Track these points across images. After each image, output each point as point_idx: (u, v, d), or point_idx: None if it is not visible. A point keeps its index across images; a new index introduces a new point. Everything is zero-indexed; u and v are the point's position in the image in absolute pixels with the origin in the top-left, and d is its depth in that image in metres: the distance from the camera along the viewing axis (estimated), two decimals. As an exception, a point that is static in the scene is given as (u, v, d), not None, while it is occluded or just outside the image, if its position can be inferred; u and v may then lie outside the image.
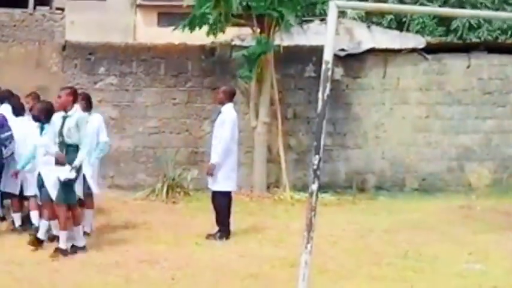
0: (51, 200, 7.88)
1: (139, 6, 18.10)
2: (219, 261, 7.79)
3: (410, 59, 13.66)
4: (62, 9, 12.89)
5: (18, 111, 9.27)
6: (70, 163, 7.72)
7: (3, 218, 9.51)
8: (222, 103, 9.14)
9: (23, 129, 8.91)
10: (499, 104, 13.98)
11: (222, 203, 8.97)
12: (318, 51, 11.79)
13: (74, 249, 7.95)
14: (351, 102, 13.52)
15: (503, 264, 7.91)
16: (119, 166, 12.84)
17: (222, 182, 8.94)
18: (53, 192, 7.83)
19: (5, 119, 9.04)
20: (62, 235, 7.84)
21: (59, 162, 7.78)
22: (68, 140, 7.81)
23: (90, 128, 8.81)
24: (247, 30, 12.85)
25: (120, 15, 17.61)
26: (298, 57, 13.22)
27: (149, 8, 18.01)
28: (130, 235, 9.09)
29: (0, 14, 12.71)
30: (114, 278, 7.03)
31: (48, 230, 9.07)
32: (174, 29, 12.39)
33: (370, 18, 15.51)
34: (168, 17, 16.64)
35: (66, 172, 7.70)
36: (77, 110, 7.95)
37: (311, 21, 14.00)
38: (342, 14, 13.28)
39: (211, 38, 12.49)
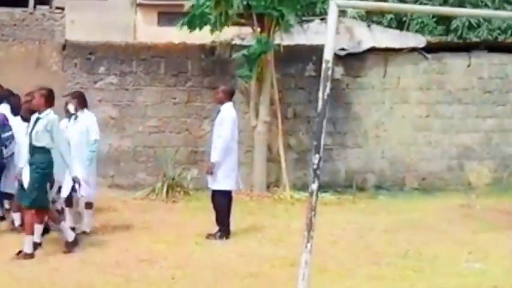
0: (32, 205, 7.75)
1: (140, 5, 18.06)
2: (219, 261, 7.79)
3: (411, 58, 13.66)
4: (62, 9, 12.89)
5: (17, 110, 9.25)
6: (33, 165, 7.62)
7: (3, 218, 9.51)
8: (222, 102, 9.14)
9: (23, 128, 8.89)
10: (499, 103, 13.98)
11: (222, 202, 8.96)
12: (318, 50, 11.79)
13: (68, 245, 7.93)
14: (351, 102, 13.52)
15: (503, 263, 7.91)
16: (119, 165, 12.84)
17: (222, 181, 8.93)
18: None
19: (6, 118, 9.03)
20: (28, 239, 7.72)
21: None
22: (36, 143, 7.67)
23: (81, 127, 8.85)
24: (247, 30, 12.85)
25: (120, 15, 17.58)
26: (299, 56, 13.21)
27: (149, 7, 17.97)
28: (130, 234, 9.10)
29: (0, 13, 12.71)
30: (114, 277, 7.02)
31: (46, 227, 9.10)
32: (179, 26, 12.25)
33: (370, 17, 15.49)
34: (168, 16, 16.60)
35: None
36: (50, 113, 7.75)
37: (311, 20, 13.99)
38: (342, 13, 13.26)
39: (212, 37, 12.49)
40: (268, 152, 12.76)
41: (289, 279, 6.46)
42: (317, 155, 4.52)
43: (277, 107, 12.67)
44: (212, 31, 12.21)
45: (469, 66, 13.85)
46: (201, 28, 12.18)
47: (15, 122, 9.09)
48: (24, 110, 8.32)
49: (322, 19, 13.65)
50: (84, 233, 8.96)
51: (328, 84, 4.51)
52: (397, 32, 14.46)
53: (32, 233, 7.74)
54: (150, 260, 7.71)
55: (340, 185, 13.19)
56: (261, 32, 12.28)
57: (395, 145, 13.66)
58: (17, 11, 12.77)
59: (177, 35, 12.67)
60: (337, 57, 12.82)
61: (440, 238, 9.22)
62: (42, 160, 7.65)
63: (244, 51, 12.16)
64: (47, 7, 12.97)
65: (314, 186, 4.55)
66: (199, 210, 10.55)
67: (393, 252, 8.36)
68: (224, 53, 13.11)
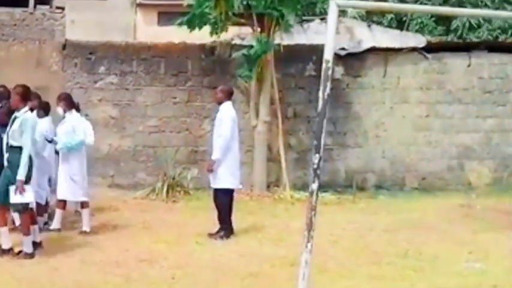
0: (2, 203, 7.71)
1: (140, 5, 18.09)
2: (219, 261, 7.79)
3: (411, 58, 13.66)
4: (62, 8, 12.90)
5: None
6: (9, 163, 7.57)
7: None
8: (221, 102, 9.15)
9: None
10: (500, 103, 13.98)
11: (223, 201, 8.96)
12: (318, 50, 11.80)
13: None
14: (351, 101, 13.52)
15: (503, 263, 7.91)
16: (119, 165, 12.84)
17: (223, 179, 8.92)
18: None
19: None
20: (26, 240, 7.68)
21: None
22: (12, 142, 7.58)
23: (67, 127, 8.89)
24: (247, 30, 12.85)
25: (121, 14, 17.60)
26: (299, 56, 13.21)
27: (149, 7, 18.00)
28: (130, 234, 9.10)
29: (0, 13, 12.72)
30: (114, 277, 7.02)
31: (45, 223, 9.12)
32: (178, 24, 12.24)
33: (370, 17, 15.51)
34: (168, 16, 16.61)
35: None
36: (26, 111, 7.66)
37: (311, 20, 13.99)
38: (342, 13, 13.28)
39: (213, 37, 12.49)
40: (268, 151, 12.76)
41: (289, 279, 6.46)
42: (317, 155, 4.51)
43: (277, 107, 12.67)
44: (212, 33, 12.22)
45: (469, 66, 13.85)
46: (200, 28, 12.18)
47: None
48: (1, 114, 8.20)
49: (322, 19, 13.66)
50: (84, 232, 8.97)
51: (328, 84, 4.50)
52: (397, 32, 14.46)
53: (29, 233, 7.73)
54: (150, 260, 7.71)
55: (340, 185, 13.19)
56: (261, 32, 12.28)
57: (395, 145, 13.66)
58: (17, 11, 12.78)
59: (177, 34, 12.67)
60: (337, 57, 12.82)
61: (440, 238, 9.21)
62: (18, 159, 7.49)
63: (244, 51, 12.17)
64: (47, 7, 12.97)
65: (314, 186, 4.54)
66: (200, 209, 10.55)
67: (393, 252, 8.35)
68: (224, 52, 13.12)
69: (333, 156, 13.36)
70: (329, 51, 4.52)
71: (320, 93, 4.52)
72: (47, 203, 9.25)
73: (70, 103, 9.14)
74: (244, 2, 11.88)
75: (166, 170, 12.23)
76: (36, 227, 8.01)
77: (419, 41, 13.83)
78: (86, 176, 9.90)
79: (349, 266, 7.66)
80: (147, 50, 13.02)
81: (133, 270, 7.31)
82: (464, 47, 14.03)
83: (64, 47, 12.78)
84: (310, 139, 12.74)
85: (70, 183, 8.97)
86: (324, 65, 4.53)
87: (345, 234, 9.41)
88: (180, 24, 12.14)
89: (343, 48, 13.23)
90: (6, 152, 7.70)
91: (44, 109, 9.25)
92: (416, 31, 15.41)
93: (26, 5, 12.85)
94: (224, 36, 12.79)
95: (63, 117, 9.09)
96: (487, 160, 13.87)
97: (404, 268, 7.57)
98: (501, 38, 16.00)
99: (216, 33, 12.22)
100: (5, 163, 7.72)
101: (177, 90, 13.02)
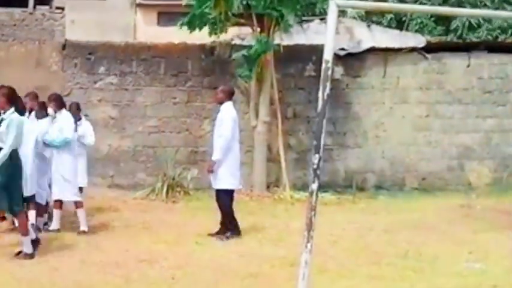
0: None
1: (139, 5, 18.06)
2: (219, 261, 7.78)
3: (410, 58, 13.66)
4: (62, 9, 12.90)
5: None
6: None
7: (3, 218, 9.51)
8: (221, 102, 9.14)
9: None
10: (499, 103, 13.99)
11: (225, 202, 8.94)
12: (317, 50, 11.80)
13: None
14: (351, 102, 13.52)
15: (503, 263, 7.90)
16: (119, 165, 12.85)
17: (224, 180, 8.92)
18: None
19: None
20: (25, 240, 7.66)
21: None
22: (1, 144, 7.51)
23: (57, 127, 8.90)
24: (247, 30, 12.85)
25: (120, 15, 17.58)
26: (298, 56, 13.22)
27: (149, 7, 17.97)
28: (130, 234, 9.09)
29: (0, 13, 12.71)
30: (114, 278, 7.02)
31: (45, 224, 9.12)
32: (179, 25, 12.23)
33: (370, 17, 15.50)
34: (168, 16, 16.60)
35: None
36: (12, 113, 7.58)
37: (311, 20, 14.00)
38: (342, 13, 13.28)
39: (213, 37, 12.49)
40: (268, 152, 12.76)
41: (289, 279, 6.46)
42: (317, 155, 4.51)
43: (277, 107, 12.68)
44: (211, 34, 12.22)
45: (468, 66, 13.86)
46: (200, 28, 12.19)
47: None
48: None
49: (322, 19, 13.66)
50: (82, 232, 8.96)
51: (328, 84, 4.50)
52: (396, 32, 14.46)
53: (27, 233, 7.72)
54: (150, 260, 7.71)
55: (340, 185, 13.20)
56: (261, 32, 12.29)
57: (395, 145, 13.66)
58: (17, 11, 12.78)
59: (177, 35, 12.67)
60: (337, 57, 12.82)
61: (440, 238, 9.21)
62: (7, 161, 7.44)
63: (244, 51, 12.17)
64: (47, 7, 12.97)
65: (314, 186, 4.54)
66: (200, 210, 10.55)
67: (393, 252, 8.35)
68: (224, 53, 13.12)
69: (333, 156, 13.37)
70: (329, 52, 4.52)
71: (320, 94, 4.52)
72: (47, 203, 9.25)
73: (60, 103, 9.16)
74: (244, 2, 11.88)
75: (166, 171, 12.24)
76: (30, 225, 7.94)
77: (419, 41, 13.83)
78: (86, 176, 9.90)
79: (349, 266, 7.66)
80: (146, 50, 13.03)
81: (133, 270, 7.30)
82: (464, 47, 14.04)
83: (64, 47, 12.79)
84: (309, 139, 12.74)
85: (62, 183, 8.96)
86: (323, 65, 4.52)
87: (344, 234, 9.41)
88: (181, 25, 12.15)
89: (342, 49, 13.24)
90: None
91: (43, 109, 9.25)
92: (416, 31, 15.41)
93: (26, 5, 12.86)
94: (224, 37, 12.80)
95: (54, 118, 9.09)
96: (487, 160, 13.87)
97: (404, 268, 7.57)
98: (501, 38, 15.99)
99: (216, 34, 12.25)
100: None
101: (177, 90, 13.03)
